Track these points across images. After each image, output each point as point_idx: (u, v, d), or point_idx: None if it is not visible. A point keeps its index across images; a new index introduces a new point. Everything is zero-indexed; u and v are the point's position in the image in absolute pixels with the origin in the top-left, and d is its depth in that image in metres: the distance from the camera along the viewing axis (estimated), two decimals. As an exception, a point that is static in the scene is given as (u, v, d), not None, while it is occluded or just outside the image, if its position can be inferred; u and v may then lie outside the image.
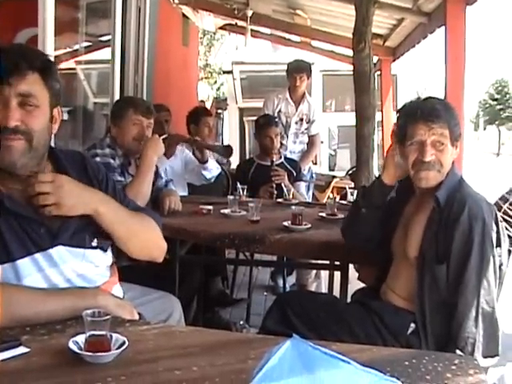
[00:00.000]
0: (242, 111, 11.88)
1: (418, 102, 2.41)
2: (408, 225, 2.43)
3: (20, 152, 1.68)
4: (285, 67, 5.95)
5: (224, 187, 5.11)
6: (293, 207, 3.35)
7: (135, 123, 3.32)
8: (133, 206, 2.06)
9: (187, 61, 8.66)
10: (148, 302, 2.38)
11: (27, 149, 1.69)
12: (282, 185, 4.46)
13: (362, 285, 2.99)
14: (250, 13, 7.26)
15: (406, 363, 1.48)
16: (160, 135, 3.37)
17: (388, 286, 2.50)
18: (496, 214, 2.24)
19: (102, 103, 5.84)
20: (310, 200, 5.46)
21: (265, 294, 5.13)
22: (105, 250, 1.88)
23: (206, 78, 16.05)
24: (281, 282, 5.07)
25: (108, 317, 1.45)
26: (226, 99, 13.07)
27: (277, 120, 5.24)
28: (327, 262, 3.68)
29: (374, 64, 5.12)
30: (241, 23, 8.05)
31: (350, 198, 3.94)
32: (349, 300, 2.84)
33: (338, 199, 4.15)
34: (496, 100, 50.65)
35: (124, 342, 1.45)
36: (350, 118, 6.13)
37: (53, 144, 1.88)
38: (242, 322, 4.15)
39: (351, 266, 3.15)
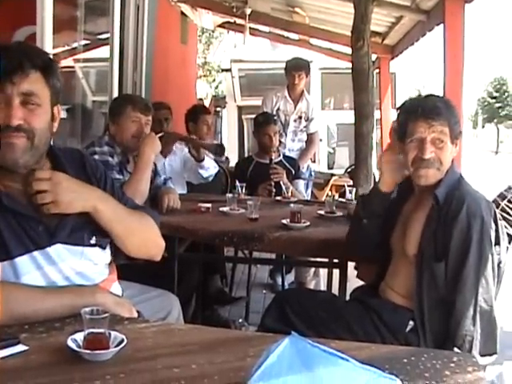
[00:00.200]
0: (240, 109, 11.87)
1: (419, 100, 2.41)
2: (407, 223, 2.43)
3: (22, 150, 1.69)
4: (283, 65, 5.95)
5: (223, 185, 5.12)
6: (291, 205, 3.36)
7: (134, 120, 3.32)
8: (131, 205, 2.06)
9: (186, 59, 8.65)
10: (147, 300, 2.38)
11: (29, 147, 1.70)
12: (281, 183, 4.47)
13: (360, 282, 2.99)
14: (248, 11, 7.26)
15: (405, 361, 1.48)
16: (156, 133, 3.37)
17: (387, 284, 2.50)
18: (495, 212, 2.25)
19: (101, 101, 5.83)
20: (309, 198, 5.45)
21: (264, 291, 5.13)
22: (103, 248, 1.88)
23: (204, 76, 16.03)
24: (279, 280, 5.07)
25: (106, 315, 1.45)
26: (224, 97, 13.05)
27: (275, 118, 5.25)
28: (326, 260, 3.69)
29: (373, 62, 5.12)
30: (239, 21, 8.05)
31: (349, 196, 3.94)
32: (347, 298, 2.85)
33: (336, 197, 4.14)
34: (495, 98, 50.64)
35: (123, 340, 1.45)
36: (348, 116, 6.13)
37: (51, 142, 1.88)
38: (240, 320, 4.16)
39: (350, 264, 3.15)
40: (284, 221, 3.14)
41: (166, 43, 6.98)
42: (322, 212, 3.47)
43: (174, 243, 3.28)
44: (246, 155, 8.41)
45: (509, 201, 2.55)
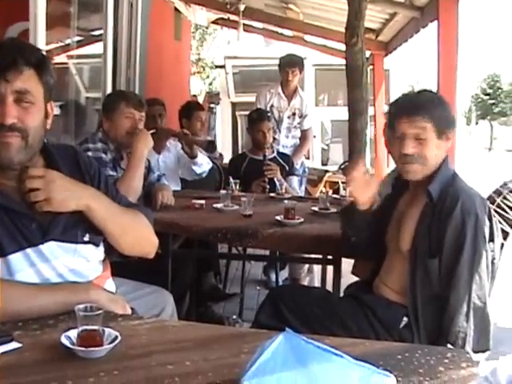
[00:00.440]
0: (234, 106, 11.87)
1: (404, 96, 2.44)
2: (401, 218, 2.43)
3: (16, 150, 1.68)
4: (277, 62, 5.95)
5: (216, 182, 5.11)
6: (285, 201, 3.35)
7: (127, 116, 3.31)
8: (125, 202, 2.05)
9: (179, 55, 8.64)
10: (140, 297, 2.38)
11: (23, 146, 1.69)
12: (275, 179, 4.47)
13: (354, 279, 2.99)
14: (242, 7, 7.25)
15: (399, 357, 1.49)
16: (149, 129, 3.37)
17: (381, 280, 2.51)
18: (489, 209, 2.25)
19: (94, 98, 5.82)
20: (303, 194, 5.46)
21: (257, 288, 5.13)
22: (97, 245, 1.88)
23: (198, 72, 16.00)
24: (273, 277, 5.07)
25: (100, 311, 1.44)
26: (218, 94, 13.04)
27: (269, 114, 5.25)
28: (320, 256, 3.69)
29: (367, 58, 5.12)
30: (233, 17, 8.03)
31: (343, 193, 3.95)
32: (342, 294, 2.85)
33: (330, 193, 4.14)
34: (488, 95, 50.74)
35: (116, 337, 1.45)
36: (342, 113, 6.13)
37: (45, 139, 1.87)
38: (234, 317, 4.16)
39: (344, 260, 3.15)
40: (278, 217, 3.14)
41: (160, 39, 6.97)
42: (315, 208, 3.48)
43: (167, 240, 3.27)
44: (240, 152, 8.41)
45: (504, 197, 2.56)
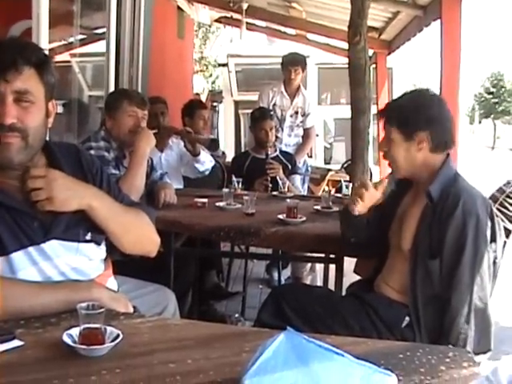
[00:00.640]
0: (237, 104, 11.88)
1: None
2: (403, 217, 2.43)
3: (16, 150, 1.68)
4: (280, 60, 5.94)
5: (219, 180, 5.11)
6: (288, 200, 3.36)
7: (130, 115, 3.31)
8: (127, 201, 2.05)
9: (182, 53, 8.63)
10: (143, 295, 2.38)
11: (23, 146, 1.69)
12: (277, 178, 4.46)
13: (357, 278, 2.99)
14: (245, 5, 7.24)
15: (401, 356, 1.49)
16: (153, 128, 3.37)
17: (382, 279, 2.50)
18: (491, 209, 2.24)
19: (97, 96, 5.82)
20: (305, 193, 5.46)
21: (260, 287, 5.13)
22: (98, 244, 1.88)
23: (201, 70, 16.02)
24: (276, 275, 5.08)
25: (102, 310, 1.45)
26: (221, 92, 13.04)
27: (272, 113, 5.25)
28: (322, 255, 3.68)
29: (370, 57, 5.11)
30: (236, 16, 8.04)
31: (345, 191, 3.95)
32: (344, 293, 2.85)
33: (333, 192, 4.14)
34: (491, 93, 50.64)
35: (118, 335, 1.45)
36: (345, 111, 6.13)
37: (47, 137, 1.87)
38: (237, 315, 4.16)
39: (346, 259, 3.15)
40: (280, 216, 3.14)
41: (163, 38, 6.97)
42: (318, 207, 3.48)
43: (170, 238, 3.27)
44: (243, 150, 8.41)
45: (507, 195, 2.55)
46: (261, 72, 10.76)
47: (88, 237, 1.82)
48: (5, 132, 1.65)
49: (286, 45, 8.99)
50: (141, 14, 5.54)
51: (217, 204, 3.51)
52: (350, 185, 3.99)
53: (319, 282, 4.62)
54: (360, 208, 2.52)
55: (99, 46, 5.38)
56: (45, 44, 3.47)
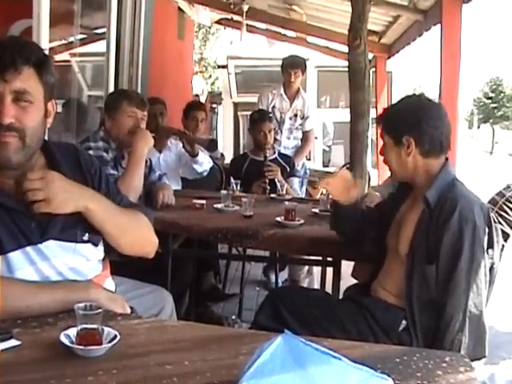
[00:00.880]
0: (236, 106, 11.87)
1: None
2: (401, 222, 2.44)
3: (14, 150, 1.67)
4: (280, 63, 5.95)
5: (217, 182, 5.11)
6: (286, 203, 3.36)
7: (130, 115, 3.31)
8: (125, 202, 2.05)
9: (182, 54, 8.64)
10: (140, 296, 2.38)
11: (21, 147, 1.68)
12: (276, 180, 4.46)
13: (354, 281, 2.99)
14: (245, 7, 7.25)
15: (397, 360, 1.49)
16: (150, 128, 3.37)
17: (379, 283, 2.51)
18: (489, 216, 2.24)
19: (97, 96, 5.82)
20: (304, 196, 5.46)
21: (257, 289, 5.13)
22: (96, 245, 1.87)
23: (200, 72, 16.02)
24: (273, 278, 5.07)
25: (100, 310, 1.44)
26: (220, 93, 13.04)
27: (271, 115, 5.25)
28: (320, 258, 3.69)
29: (369, 61, 5.12)
30: (236, 18, 8.04)
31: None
32: (341, 296, 2.85)
33: (331, 195, 4.13)
34: (490, 98, 50.74)
35: (115, 336, 1.45)
36: (344, 114, 6.13)
37: (46, 137, 1.87)
38: (233, 317, 4.16)
39: (344, 263, 3.15)
40: (278, 218, 3.14)
41: (163, 39, 6.97)
42: (316, 210, 3.48)
43: (168, 239, 3.27)
44: (242, 152, 8.41)
45: (507, 199, 2.56)
46: (260, 74, 10.77)
47: (85, 237, 1.82)
48: (3, 131, 1.64)
49: (286, 47, 8.99)
50: (141, 15, 5.54)
51: (215, 206, 3.51)
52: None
53: (316, 285, 4.63)
54: (339, 198, 2.70)
55: (99, 46, 5.39)
56: (45, 43, 3.47)
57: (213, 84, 17.14)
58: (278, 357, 1.20)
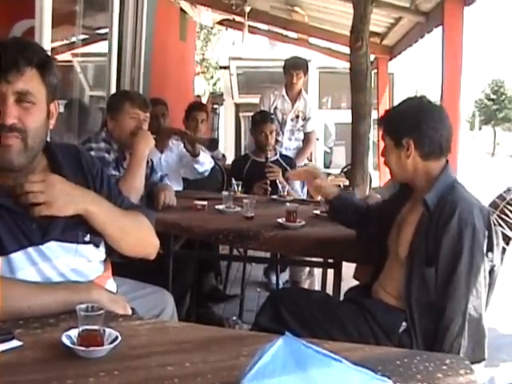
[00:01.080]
0: (238, 107, 11.89)
1: None
2: (401, 224, 2.44)
3: (16, 152, 1.68)
4: (282, 64, 5.95)
5: (219, 183, 5.11)
6: (287, 204, 3.36)
7: (132, 117, 3.31)
8: (127, 204, 2.05)
9: (184, 55, 8.64)
10: (141, 297, 2.39)
11: (23, 149, 1.69)
12: (277, 181, 4.46)
13: (355, 282, 3.00)
14: (247, 9, 7.25)
15: (398, 362, 1.49)
16: (152, 129, 3.38)
17: (380, 285, 2.51)
18: (489, 219, 2.24)
19: (98, 96, 5.83)
20: (305, 197, 5.46)
21: (258, 290, 5.13)
22: (97, 246, 1.87)
23: (202, 72, 16.00)
24: (274, 279, 5.08)
25: (101, 311, 1.45)
26: (222, 94, 13.04)
27: (273, 117, 5.25)
28: (321, 260, 3.69)
29: (371, 62, 5.12)
30: (238, 19, 8.04)
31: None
32: (342, 298, 2.86)
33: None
34: (492, 100, 50.65)
35: (117, 337, 1.45)
36: (345, 116, 6.14)
37: (48, 138, 1.87)
38: (234, 318, 4.16)
39: (345, 264, 3.16)
40: (279, 220, 3.14)
41: (165, 39, 6.98)
42: (317, 211, 3.48)
43: (169, 240, 3.27)
44: (243, 153, 8.41)
45: (508, 203, 2.55)
46: (262, 75, 10.78)
47: (87, 238, 1.82)
48: (5, 132, 1.65)
49: (288, 48, 8.99)
50: (143, 15, 5.55)
51: (216, 207, 3.52)
52: (350, 189, 3.99)
53: (317, 287, 4.63)
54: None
55: (101, 47, 5.40)
56: (47, 43, 3.47)
57: (214, 85, 17.11)
58: (279, 359, 1.20)
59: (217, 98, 13.33)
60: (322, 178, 2.95)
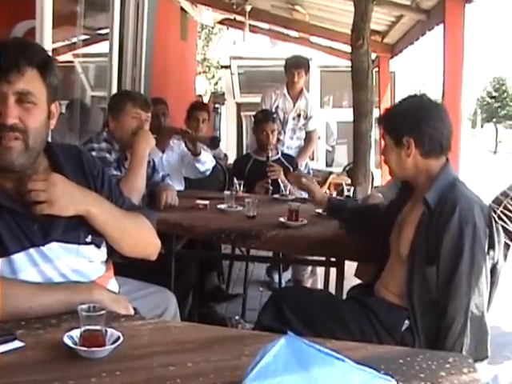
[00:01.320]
0: (239, 106, 11.87)
1: None
2: (403, 223, 2.44)
3: (17, 153, 1.68)
4: (283, 63, 5.95)
5: (221, 182, 5.11)
6: (289, 203, 3.35)
7: (134, 117, 3.31)
8: (128, 204, 2.05)
9: (185, 55, 8.64)
10: (143, 297, 2.38)
11: (24, 149, 1.69)
12: (279, 180, 4.46)
13: (357, 281, 2.99)
14: (248, 8, 7.25)
15: (401, 361, 1.49)
16: (153, 129, 3.38)
17: (382, 283, 2.51)
18: (490, 216, 2.23)
19: (100, 97, 5.82)
20: (307, 196, 5.46)
21: (260, 289, 5.13)
22: (99, 247, 1.87)
23: (203, 72, 15.99)
24: (276, 278, 5.07)
25: (103, 312, 1.44)
26: (223, 94, 13.03)
27: (274, 116, 5.24)
28: (323, 259, 3.69)
29: (372, 60, 5.11)
30: (239, 18, 8.04)
31: (347, 194, 3.94)
32: (344, 296, 2.85)
33: (334, 195, 4.14)
34: (494, 98, 50.58)
35: (119, 337, 1.45)
36: (347, 114, 6.13)
37: (49, 138, 1.87)
38: (237, 318, 4.16)
39: (347, 263, 3.15)
40: (281, 219, 3.14)
41: (166, 39, 6.98)
42: (319, 210, 3.47)
43: (171, 240, 3.27)
44: (245, 152, 8.41)
45: (511, 199, 2.55)
46: (263, 74, 10.77)
47: (88, 239, 1.82)
48: (6, 132, 1.65)
49: (289, 47, 8.99)
50: (144, 15, 5.55)
51: (218, 206, 3.51)
52: (352, 188, 3.98)
53: (320, 286, 4.62)
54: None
55: (102, 47, 5.39)
56: (48, 44, 3.47)
57: (216, 84, 17.11)
58: (281, 358, 1.20)
59: (218, 97, 13.32)
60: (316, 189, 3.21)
